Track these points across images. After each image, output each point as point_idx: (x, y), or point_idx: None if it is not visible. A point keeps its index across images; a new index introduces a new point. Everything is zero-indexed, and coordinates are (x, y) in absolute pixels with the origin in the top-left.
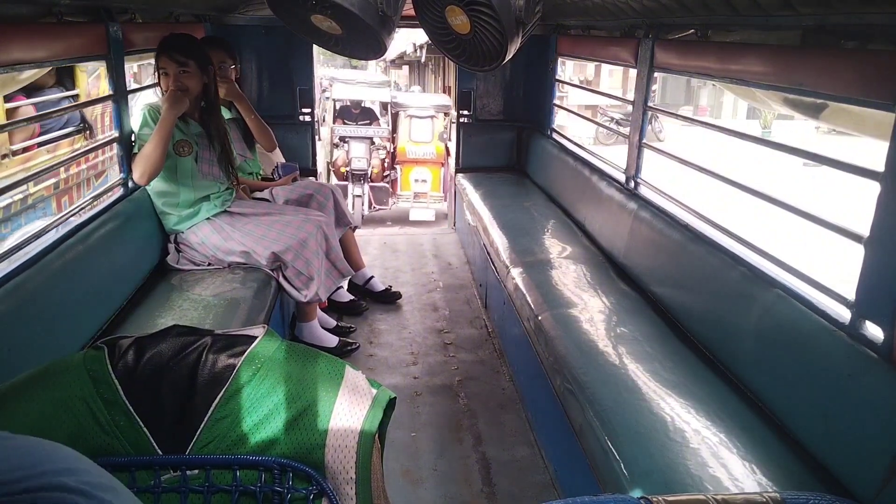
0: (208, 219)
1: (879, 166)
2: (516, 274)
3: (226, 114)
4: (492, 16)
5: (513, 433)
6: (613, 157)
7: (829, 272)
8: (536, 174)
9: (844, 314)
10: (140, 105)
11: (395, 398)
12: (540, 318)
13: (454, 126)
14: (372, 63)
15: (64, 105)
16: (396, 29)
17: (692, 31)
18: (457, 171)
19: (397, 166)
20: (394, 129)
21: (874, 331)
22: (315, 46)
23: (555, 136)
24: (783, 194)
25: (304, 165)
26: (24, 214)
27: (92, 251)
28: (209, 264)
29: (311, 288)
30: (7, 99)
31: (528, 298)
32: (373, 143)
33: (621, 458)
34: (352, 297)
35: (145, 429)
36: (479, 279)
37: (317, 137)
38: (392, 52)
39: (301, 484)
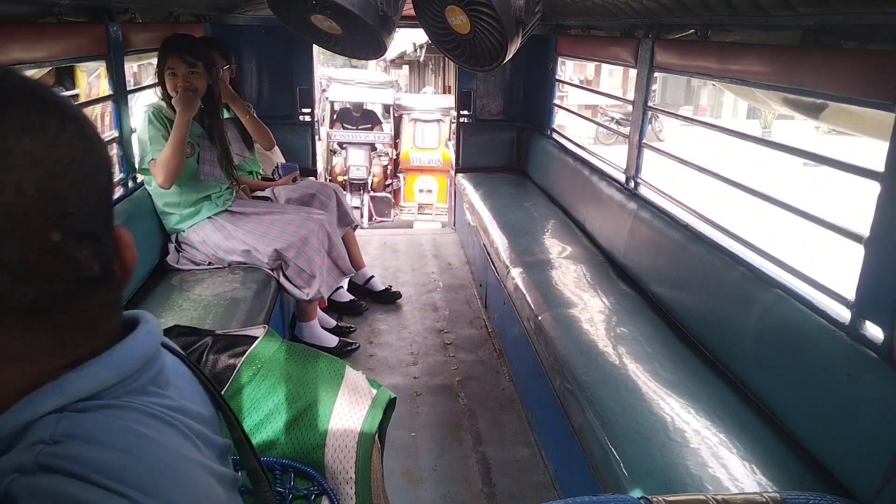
0: (210, 218)
1: (879, 166)
2: (516, 274)
3: (223, 114)
4: (492, 16)
5: (513, 433)
6: (613, 157)
7: (829, 272)
8: (536, 174)
9: (844, 314)
10: (140, 105)
11: (395, 398)
12: (540, 318)
13: (454, 126)
14: (372, 62)
15: None
16: (396, 29)
17: (692, 31)
18: (457, 171)
19: (400, 174)
20: (397, 134)
21: (874, 331)
22: (315, 46)
23: (555, 136)
24: (783, 194)
25: (304, 165)
26: None
27: None
28: (210, 264)
29: (313, 286)
30: None
31: (528, 298)
32: (374, 149)
33: (621, 458)
34: (352, 297)
35: None
36: (479, 279)
37: (317, 138)
38: (392, 51)
39: (302, 484)
